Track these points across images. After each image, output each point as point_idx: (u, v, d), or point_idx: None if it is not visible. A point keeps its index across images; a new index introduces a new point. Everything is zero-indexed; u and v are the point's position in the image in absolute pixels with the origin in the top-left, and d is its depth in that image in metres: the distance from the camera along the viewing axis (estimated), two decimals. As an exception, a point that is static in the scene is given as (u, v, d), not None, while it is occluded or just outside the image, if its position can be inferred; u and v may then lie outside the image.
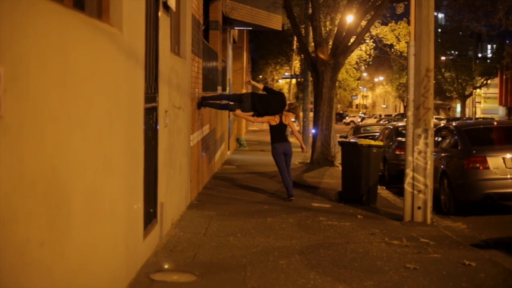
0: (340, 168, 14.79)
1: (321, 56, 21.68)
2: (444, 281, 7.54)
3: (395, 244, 9.38)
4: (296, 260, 8.20)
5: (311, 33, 24.88)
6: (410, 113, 11.33)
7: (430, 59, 11.33)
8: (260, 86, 14.93)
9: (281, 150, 13.57)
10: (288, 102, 14.38)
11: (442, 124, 18.65)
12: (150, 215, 8.03)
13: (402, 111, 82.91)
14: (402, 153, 15.15)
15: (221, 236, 9.42)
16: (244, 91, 33.81)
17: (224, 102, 15.22)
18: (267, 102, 13.67)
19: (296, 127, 45.50)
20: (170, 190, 9.49)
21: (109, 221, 5.84)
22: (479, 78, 67.78)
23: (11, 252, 3.62)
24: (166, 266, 7.58)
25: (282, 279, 7.28)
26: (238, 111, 14.06)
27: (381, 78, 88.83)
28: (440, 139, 15.10)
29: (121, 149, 6.26)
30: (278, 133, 13.71)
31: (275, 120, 13.60)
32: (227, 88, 24.47)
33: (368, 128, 32.56)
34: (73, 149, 4.66)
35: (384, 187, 16.70)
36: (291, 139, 18.42)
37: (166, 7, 8.87)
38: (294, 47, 46.54)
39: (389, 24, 34.48)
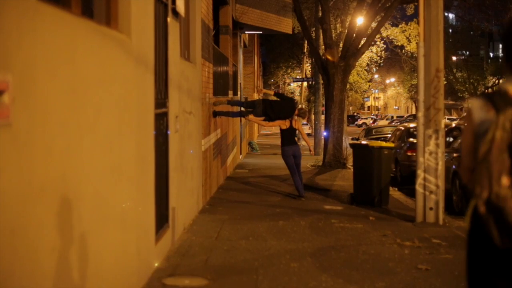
0: (352, 170, 14.78)
1: (331, 58, 21.68)
2: (456, 282, 7.53)
3: (407, 245, 9.38)
4: (308, 263, 8.21)
5: (321, 36, 24.88)
6: (420, 114, 11.32)
7: (440, 59, 11.32)
8: (271, 92, 16.31)
9: (290, 152, 14.20)
10: (297, 107, 15.13)
11: (453, 125, 18.59)
12: (162, 220, 8.07)
13: (414, 112, 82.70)
14: (414, 154, 15.11)
15: (233, 240, 9.44)
16: (255, 95, 33.92)
17: (237, 109, 16.37)
18: (278, 107, 14.41)
19: (308, 130, 45.64)
20: (182, 195, 9.53)
21: (120, 226, 5.88)
22: (491, 77, 67.56)
23: (22, 258, 3.66)
24: (178, 271, 7.61)
25: (294, 282, 7.30)
26: (251, 116, 14.98)
27: (392, 79, 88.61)
28: (451, 139, 15.07)
29: (131, 155, 6.30)
30: (288, 137, 14.36)
31: (285, 124, 14.26)
32: (238, 93, 24.51)
33: (380, 129, 32.50)
34: (82, 156, 4.70)
35: (396, 189, 16.67)
36: (303, 142, 18.51)
37: (175, 13, 8.91)
38: (305, 50, 46.59)
39: (400, 25, 34.45)
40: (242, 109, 16.28)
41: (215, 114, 14.42)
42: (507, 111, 3.17)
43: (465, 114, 3.15)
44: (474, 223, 3.40)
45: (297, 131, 14.63)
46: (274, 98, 15.38)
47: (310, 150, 15.54)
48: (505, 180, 3.09)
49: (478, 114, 3.41)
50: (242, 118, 22.33)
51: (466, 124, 3.56)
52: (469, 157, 3.55)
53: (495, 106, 3.31)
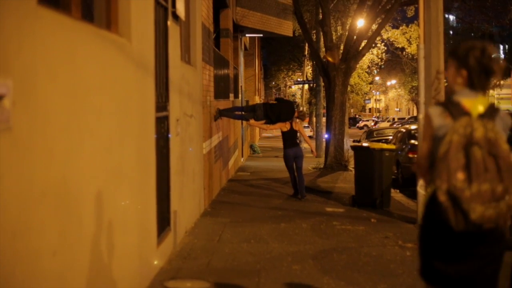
0: (354, 172, 14.79)
1: (332, 60, 21.70)
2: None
3: (408, 247, 9.38)
4: (310, 265, 8.22)
5: (322, 39, 24.89)
6: (421, 116, 11.32)
7: (440, 61, 11.31)
8: (271, 97, 16.50)
9: (291, 154, 14.57)
10: (297, 110, 15.73)
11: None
12: (164, 223, 8.08)
13: (415, 114, 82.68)
14: (415, 156, 15.11)
15: (235, 243, 9.45)
16: (257, 98, 33.96)
17: (238, 113, 16.67)
18: (278, 110, 14.73)
19: (310, 132, 45.65)
20: (183, 198, 9.53)
21: (122, 229, 5.89)
22: (492, 79, 67.44)
23: (23, 261, 3.67)
24: (180, 274, 7.62)
25: (296, 284, 7.31)
26: (252, 121, 15.30)
27: (393, 81, 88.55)
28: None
29: (132, 158, 6.31)
30: (289, 139, 14.68)
31: (286, 126, 14.61)
32: (239, 96, 24.52)
33: (381, 131, 32.49)
34: (83, 160, 4.71)
35: (398, 191, 16.66)
36: (305, 145, 18.59)
37: (175, 16, 8.93)
38: (306, 52, 46.58)
39: (400, 27, 34.43)
40: (243, 113, 16.57)
41: (216, 118, 14.57)
42: (461, 119, 3.98)
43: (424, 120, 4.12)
44: (429, 209, 4.11)
45: (298, 133, 14.90)
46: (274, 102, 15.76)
47: (312, 152, 15.72)
48: (460, 175, 3.85)
49: (437, 120, 4.12)
50: (244, 122, 22.47)
51: (425, 129, 4.24)
52: (425, 156, 4.22)
53: (451, 114, 4.06)
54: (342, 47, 22.82)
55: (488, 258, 4.08)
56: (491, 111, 4.11)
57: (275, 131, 26.19)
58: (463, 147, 3.90)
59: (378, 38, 32.30)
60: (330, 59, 21.75)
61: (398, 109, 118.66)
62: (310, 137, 26.82)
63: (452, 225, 3.90)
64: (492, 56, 4.20)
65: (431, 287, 4.23)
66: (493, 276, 4.14)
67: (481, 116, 4.04)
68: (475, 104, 4.11)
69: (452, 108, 4.10)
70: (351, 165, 19.69)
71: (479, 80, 4.20)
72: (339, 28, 29.75)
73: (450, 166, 3.88)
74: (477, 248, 4.04)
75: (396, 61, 44.67)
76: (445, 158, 3.91)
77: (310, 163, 22.83)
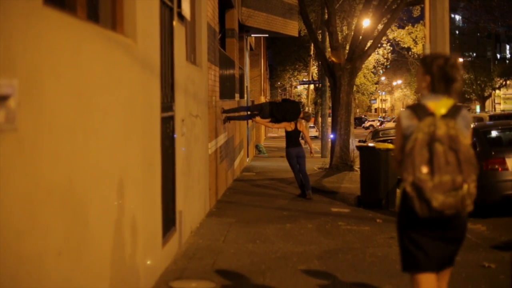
0: (359, 172, 14.78)
1: (336, 60, 21.68)
2: (464, 284, 7.52)
3: (414, 247, 9.35)
4: (315, 266, 8.21)
5: (327, 39, 24.87)
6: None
7: (446, 61, 11.29)
8: (277, 98, 17.08)
9: (294, 153, 14.84)
10: (302, 110, 15.91)
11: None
12: (169, 223, 8.08)
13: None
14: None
15: (240, 243, 9.45)
16: (262, 98, 33.97)
17: (244, 113, 17.18)
18: (284, 110, 14.95)
19: (315, 132, 45.60)
20: (189, 198, 9.54)
21: (127, 229, 5.89)
22: (498, 79, 67.38)
23: (28, 261, 3.67)
24: (185, 274, 7.62)
25: (301, 285, 7.31)
26: (258, 118, 15.58)
27: (399, 81, 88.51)
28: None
29: (138, 159, 6.32)
30: (293, 138, 14.97)
31: (290, 126, 14.85)
32: (245, 96, 24.53)
33: (387, 132, 32.42)
34: (89, 160, 4.71)
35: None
36: (314, 145, 18.71)
37: (181, 17, 8.93)
38: (312, 52, 46.58)
39: (406, 27, 34.39)
40: (249, 112, 16.87)
41: (225, 121, 15.09)
42: (426, 119, 4.55)
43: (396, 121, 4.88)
44: (402, 199, 4.67)
45: (301, 134, 15.16)
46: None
47: (310, 152, 15.90)
48: (424, 168, 4.42)
49: (405, 121, 4.70)
50: (249, 121, 22.59)
51: (396, 129, 4.85)
52: (398, 152, 4.75)
53: (417, 116, 4.62)
54: (347, 47, 22.80)
55: (454, 239, 4.71)
56: (454, 111, 4.65)
57: (280, 131, 26.26)
58: (427, 144, 4.46)
59: (384, 38, 32.30)
60: (335, 59, 21.74)
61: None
62: (315, 137, 26.84)
63: (418, 212, 4.48)
64: (454, 65, 4.75)
65: (416, 274, 4.75)
66: (452, 256, 4.81)
67: (444, 116, 4.58)
68: (439, 106, 4.66)
69: (418, 110, 4.67)
70: (357, 165, 19.67)
71: (439, 86, 4.75)
72: (344, 28, 29.76)
73: (415, 161, 4.44)
74: (442, 231, 4.64)
75: (402, 61, 44.63)
76: (410, 154, 4.47)
77: (315, 163, 22.82)
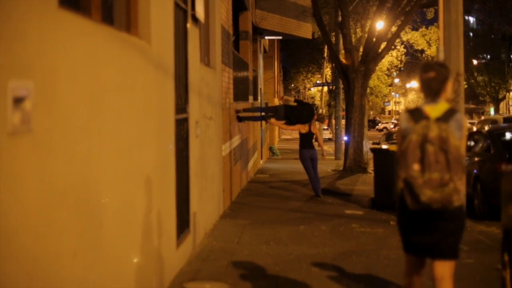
0: (373, 174, 14.77)
1: (345, 62, 21.69)
2: (478, 287, 7.50)
3: (428, 249, 9.33)
4: (329, 268, 8.21)
5: (341, 41, 24.86)
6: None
7: (460, 63, 11.28)
8: (292, 99, 17.36)
9: (307, 155, 15.04)
10: (316, 113, 16.11)
11: (475, 129, 18.45)
12: (183, 225, 8.10)
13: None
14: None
15: (254, 245, 9.46)
16: (276, 101, 33.96)
17: (258, 114, 17.39)
18: (298, 112, 15.11)
19: (329, 134, 45.54)
20: (203, 200, 9.56)
21: (141, 231, 5.91)
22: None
23: (44, 263, 3.69)
24: (199, 275, 7.64)
25: (315, 287, 7.30)
26: (273, 120, 15.70)
27: (413, 83, 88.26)
28: (472, 143, 14.98)
29: (152, 160, 6.34)
30: (306, 140, 15.19)
31: (304, 128, 15.06)
32: (259, 98, 24.54)
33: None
34: (103, 161, 4.73)
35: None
36: (326, 147, 18.74)
37: (195, 19, 8.95)
38: (325, 55, 46.55)
39: (420, 29, 34.34)
40: (263, 114, 16.95)
41: (239, 119, 15.28)
42: (421, 122, 5.05)
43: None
44: (399, 194, 5.23)
45: (314, 136, 15.35)
46: (294, 104, 16.05)
47: (322, 154, 15.97)
48: (416, 166, 4.94)
49: (404, 123, 5.23)
50: (263, 123, 22.72)
51: (397, 130, 5.43)
52: (399, 151, 5.20)
53: (414, 119, 5.13)
54: (361, 49, 22.78)
55: (445, 231, 5.16)
56: (447, 115, 5.12)
57: (294, 133, 26.36)
58: (420, 145, 4.96)
59: (397, 40, 32.22)
60: (344, 61, 21.75)
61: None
62: (329, 139, 26.86)
63: (408, 205, 5.04)
64: (437, 79, 5.24)
65: (407, 254, 5.47)
66: (453, 246, 5.25)
67: (438, 119, 5.07)
68: (434, 110, 5.16)
69: (415, 113, 5.19)
70: (371, 168, 19.64)
71: (425, 93, 5.33)
72: (358, 30, 29.75)
73: (408, 160, 4.97)
74: (433, 223, 5.14)
75: (415, 63, 44.57)
76: (405, 153, 5.01)
77: (329, 166, 22.81)
